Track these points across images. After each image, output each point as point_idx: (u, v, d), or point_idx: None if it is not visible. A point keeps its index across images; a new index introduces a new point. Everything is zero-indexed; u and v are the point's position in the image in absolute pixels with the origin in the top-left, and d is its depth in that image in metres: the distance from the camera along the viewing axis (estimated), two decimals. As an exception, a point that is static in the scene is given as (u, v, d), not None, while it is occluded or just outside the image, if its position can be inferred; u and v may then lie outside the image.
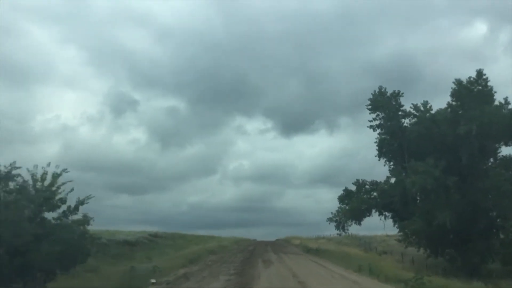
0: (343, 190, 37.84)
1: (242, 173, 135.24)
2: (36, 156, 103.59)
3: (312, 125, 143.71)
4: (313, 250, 35.94)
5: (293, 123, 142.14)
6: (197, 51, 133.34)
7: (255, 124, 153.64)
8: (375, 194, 35.55)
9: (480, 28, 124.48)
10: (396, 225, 35.74)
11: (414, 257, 41.63)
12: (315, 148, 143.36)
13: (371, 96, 31.42)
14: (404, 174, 30.69)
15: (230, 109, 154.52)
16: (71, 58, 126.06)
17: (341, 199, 37.56)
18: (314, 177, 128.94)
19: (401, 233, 33.36)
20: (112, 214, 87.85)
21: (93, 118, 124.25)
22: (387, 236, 70.93)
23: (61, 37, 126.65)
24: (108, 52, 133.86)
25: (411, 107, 29.56)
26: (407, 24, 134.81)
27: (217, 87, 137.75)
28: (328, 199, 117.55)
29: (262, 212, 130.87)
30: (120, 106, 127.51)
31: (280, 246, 48.58)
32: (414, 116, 29.65)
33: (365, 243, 62.21)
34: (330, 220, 34.93)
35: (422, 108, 29.27)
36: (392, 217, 35.87)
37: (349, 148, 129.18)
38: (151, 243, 42.31)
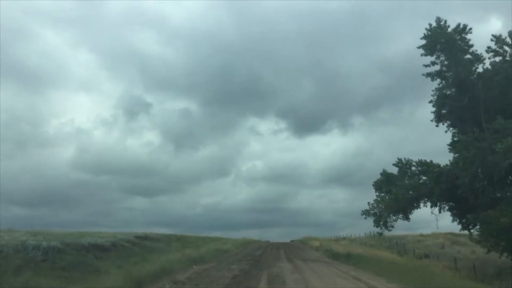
0: (381, 174, 28.05)
1: (256, 174, 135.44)
2: (51, 159, 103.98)
3: (325, 125, 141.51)
4: (342, 255, 26.15)
5: (306, 123, 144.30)
6: (209, 52, 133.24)
7: (268, 125, 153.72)
8: (424, 178, 25.67)
9: (494, 24, 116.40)
10: (456, 220, 25.97)
11: (468, 261, 31.80)
12: (329, 148, 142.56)
13: (427, 31, 21.43)
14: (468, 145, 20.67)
15: (242, 110, 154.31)
16: (84, 61, 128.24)
17: (377, 186, 27.80)
18: (328, 177, 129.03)
19: (470, 231, 23.56)
20: (127, 216, 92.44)
21: (107, 121, 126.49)
22: (421, 235, 60.77)
23: (74, 41, 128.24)
24: (121, 55, 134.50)
25: (492, 39, 19.52)
26: (422, 21, 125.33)
27: (229, 88, 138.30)
28: (342, 199, 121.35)
29: (276, 213, 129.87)
30: (133, 109, 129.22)
31: (296, 250, 38.85)
32: (495, 53, 19.62)
33: (397, 245, 52.47)
34: (366, 214, 25.23)
35: (509, 41, 19.23)
36: (450, 209, 25.94)
37: (363, 147, 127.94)
38: (135, 247, 33.34)
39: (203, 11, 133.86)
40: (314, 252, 35.88)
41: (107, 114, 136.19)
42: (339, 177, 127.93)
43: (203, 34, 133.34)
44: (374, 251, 43.85)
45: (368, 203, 25.61)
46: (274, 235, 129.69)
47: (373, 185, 28.11)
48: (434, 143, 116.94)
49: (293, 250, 36.85)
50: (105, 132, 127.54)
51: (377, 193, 27.44)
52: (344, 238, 74.52)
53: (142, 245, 36.35)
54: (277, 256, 27.65)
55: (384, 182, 27.27)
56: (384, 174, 27.67)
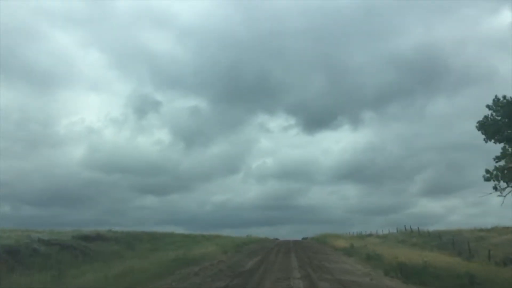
0: (490, 107, 13.64)
1: (266, 171, 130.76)
2: (63, 159, 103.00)
3: (335, 120, 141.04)
4: (418, 271, 11.75)
5: (316, 119, 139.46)
6: (218, 50, 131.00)
7: (278, 121, 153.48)
8: None
9: (507, 16, 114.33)
10: None
11: None
12: (339, 144, 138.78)
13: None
14: None
15: (252, 107, 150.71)
16: (94, 61, 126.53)
17: (490, 126, 13.30)
18: (338, 173, 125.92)
19: None
20: (139, 215, 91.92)
21: (117, 120, 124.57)
22: (481, 230, 46.10)
23: (83, 41, 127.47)
24: (130, 54, 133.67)
25: None
26: (432, 14, 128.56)
27: (239, 85, 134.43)
28: (353, 195, 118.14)
29: (286, 210, 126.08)
30: (143, 108, 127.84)
31: (316, 254, 24.74)
32: None
33: (453, 244, 38.09)
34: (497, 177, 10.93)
35: None
36: None
37: (374, 143, 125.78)
38: (63, 252, 21.33)
39: (212, 9, 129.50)
40: (347, 259, 21.66)
41: (117, 113, 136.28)
42: (350, 173, 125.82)
43: (212, 32, 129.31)
44: (428, 254, 29.46)
45: (497, 157, 11.39)
46: (284, 232, 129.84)
47: (478, 126, 13.76)
48: (450, 137, 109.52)
49: (312, 256, 22.72)
50: (115, 131, 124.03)
51: (489, 140, 13.12)
52: (369, 235, 60.15)
53: (81, 249, 23.71)
54: (285, 273, 13.48)
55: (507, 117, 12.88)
56: (505, 102, 13.24)
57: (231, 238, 52.73)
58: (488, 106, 14.09)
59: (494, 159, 12.82)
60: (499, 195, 12.70)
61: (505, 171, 11.73)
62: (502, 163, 12.39)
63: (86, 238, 30.05)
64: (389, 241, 44.90)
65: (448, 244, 38.94)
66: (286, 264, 17.90)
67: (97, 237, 32.33)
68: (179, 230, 46.62)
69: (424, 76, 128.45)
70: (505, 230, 42.51)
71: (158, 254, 24.21)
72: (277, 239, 75.28)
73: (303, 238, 77.87)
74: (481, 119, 13.79)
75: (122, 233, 36.63)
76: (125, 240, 32.74)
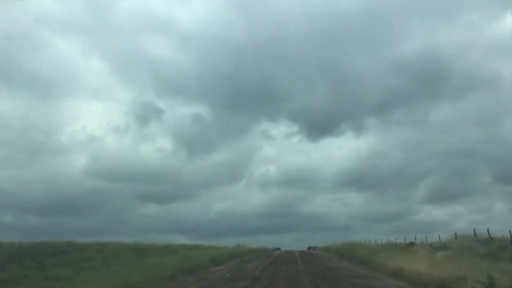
0: None
1: (269, 179, 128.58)
2: (65, 167, 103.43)
3: (338, 127, 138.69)
4: None
5: (319, 126, 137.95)
6: (220, 56, 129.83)
7: (280, 128, 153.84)
8: None
9: (510, 20, 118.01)
10: None
11: None
12: (342, 150, 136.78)
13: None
14: None
15: (254, 114, 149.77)
16: (95, 68, 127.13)
17: None
18: (342, 180, 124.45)
19: None
20: (142, 223, 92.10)
21: (119, 128, 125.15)
22: None
23: (84, 48, 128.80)
24: (132, 61, 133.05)
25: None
26: (435, 19, 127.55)
27: (241, 91, 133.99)
28: (356, 202, 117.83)
29: (290, 218, 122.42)
30: (145, 115, 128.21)
31: None
32: None
33: None
34: None
35: None
36: None
37: (378, 149, 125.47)
38: None
39: (213, 15, 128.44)
40: None
41: (119, 121, 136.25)
42: (353, 180, 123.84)
43: (214, 38, 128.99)
44: None
45: None
46: (288, 240, 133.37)
47: None
48: (451, 143, 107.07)
49: None
50: (117, 139, 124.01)
51: None
52: (411, 244, 43.97)
53: None
54: None
55: None
56: None
57: (212, 249, 38.14)
58: None
59: None
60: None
61: None
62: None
63: None
64: (465, 256, 28.75)
65: None
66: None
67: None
68: (182, 239, 42.15)
69: (427, 82, 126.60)
70: None
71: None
72: (278, 249, 59.45)
73: (309, 248, 63.70)
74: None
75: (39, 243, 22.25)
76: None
